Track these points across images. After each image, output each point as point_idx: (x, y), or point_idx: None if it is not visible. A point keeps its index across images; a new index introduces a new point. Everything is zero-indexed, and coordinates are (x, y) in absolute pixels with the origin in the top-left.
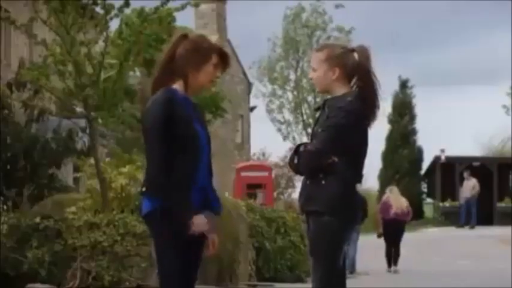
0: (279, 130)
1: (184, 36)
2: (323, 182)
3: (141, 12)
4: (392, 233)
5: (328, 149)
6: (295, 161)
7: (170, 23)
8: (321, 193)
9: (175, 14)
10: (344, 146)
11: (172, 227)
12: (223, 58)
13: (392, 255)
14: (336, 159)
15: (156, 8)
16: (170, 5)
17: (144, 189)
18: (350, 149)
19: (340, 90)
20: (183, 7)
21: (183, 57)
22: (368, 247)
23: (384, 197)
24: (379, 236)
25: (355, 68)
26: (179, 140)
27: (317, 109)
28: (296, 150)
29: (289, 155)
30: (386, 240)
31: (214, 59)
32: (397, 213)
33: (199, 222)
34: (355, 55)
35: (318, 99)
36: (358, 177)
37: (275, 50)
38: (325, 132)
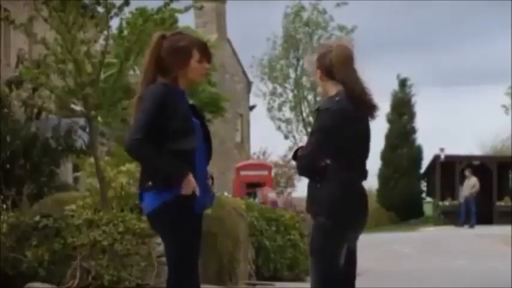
0: (279, 128)
1: (163, 37)
2: (318, 185)
3: (142, 12)
4: None
5: (317, 152)
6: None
7: (173, 24)
8: (317, 195)
9: (178, 15)
10: (335, 147)
11: (182, 217)
12: (205, 50)
13: None
14: (328, 161)
15: (159, 9)
16: (173, 6)
17: (150, 183)
18: (343, 149)
19: (332, 90)
20: (186, 9)
21: (166, 60)
22: (367, 246)
23: None
24: None
25: (331, 68)
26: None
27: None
28: (295, 154)
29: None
30: None
31: (196, 54)
32: None
33: (191, 180)
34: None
35: (318, 98)
36: (359, 175)
37: (275, 48)
38: (312, 136)
